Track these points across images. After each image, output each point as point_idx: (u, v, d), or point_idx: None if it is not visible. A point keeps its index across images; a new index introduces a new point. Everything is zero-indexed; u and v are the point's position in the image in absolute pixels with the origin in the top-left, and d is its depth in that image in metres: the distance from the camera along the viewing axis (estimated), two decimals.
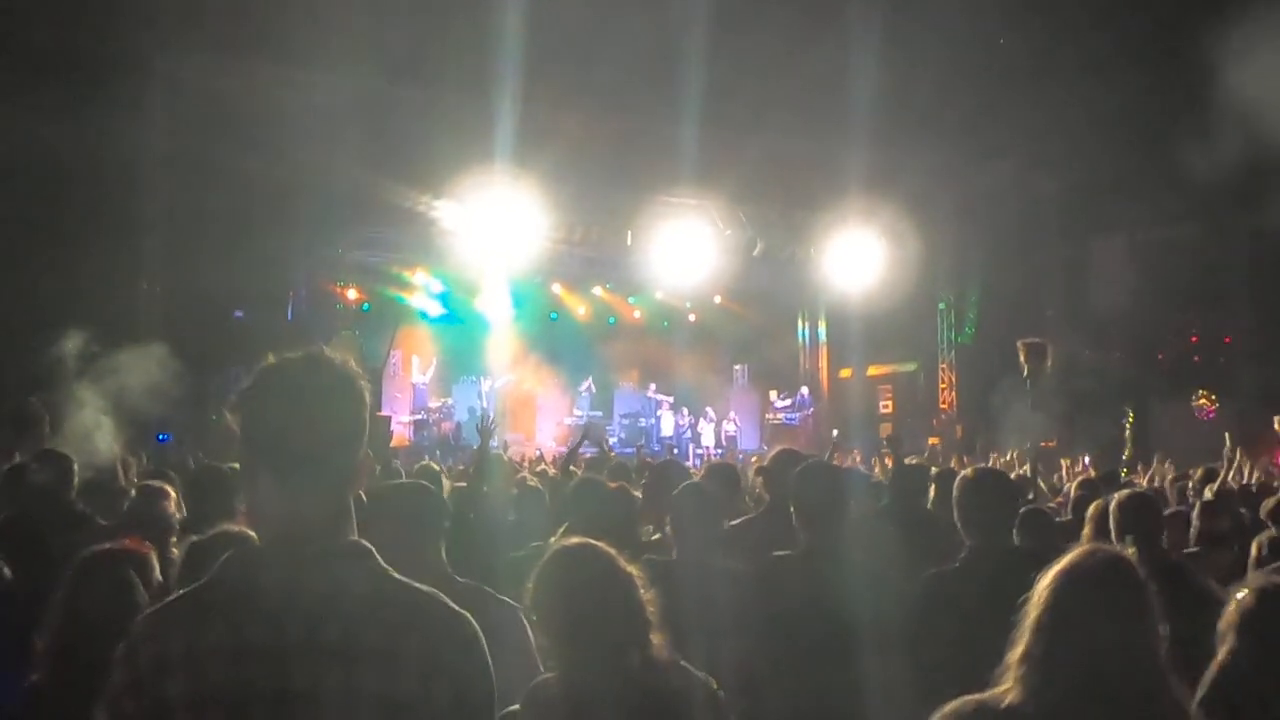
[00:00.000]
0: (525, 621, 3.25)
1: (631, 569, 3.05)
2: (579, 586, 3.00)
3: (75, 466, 5.83)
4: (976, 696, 2.64)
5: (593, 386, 23.11)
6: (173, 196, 15.03)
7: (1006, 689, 2.61)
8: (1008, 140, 18.81)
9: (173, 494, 5.18)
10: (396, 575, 2.13)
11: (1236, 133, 17.19)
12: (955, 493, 4.54)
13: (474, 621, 2.14)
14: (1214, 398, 21.31)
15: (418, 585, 2.14)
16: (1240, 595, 3.20)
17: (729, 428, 23.52)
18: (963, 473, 4.80)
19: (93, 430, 6.99)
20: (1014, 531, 4.80)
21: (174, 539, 4.67)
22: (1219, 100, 16.87)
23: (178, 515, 5.08)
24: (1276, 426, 12.34)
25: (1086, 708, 2.53)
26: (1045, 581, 2.66)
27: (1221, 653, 3.19)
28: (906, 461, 7.85)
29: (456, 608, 2.15)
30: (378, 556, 2.14)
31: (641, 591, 3.03)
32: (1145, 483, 10.92)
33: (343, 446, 2.16)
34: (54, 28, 12.94)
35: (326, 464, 2.13)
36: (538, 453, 16.38)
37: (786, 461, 5.89)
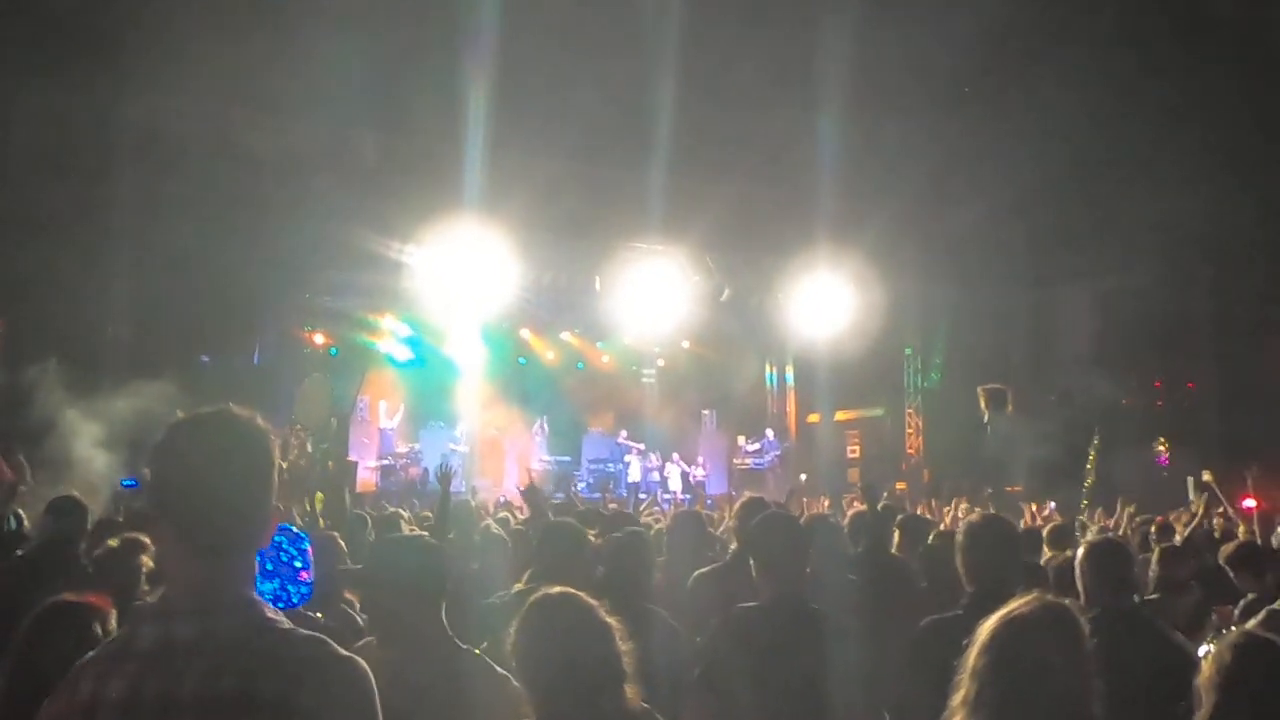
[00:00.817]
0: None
1: (609, 619, 3.08)
2: (559, 635, 3.03)
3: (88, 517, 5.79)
4: None
5: (544, 426, 23.07)
6: (140, 240, 14.97)
7: None
8: (972, 188, 18.99)
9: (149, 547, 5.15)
10: (288, 626, 2.18)
11: (1197, 182, 17.46)
12: (960, 538, 4.51)
13: (363, 663, 2.19)
14: (1167, 445, 21.44)
15: (309, 634, 2.19)
16: (1216, 651, 3.21)
17: (697, 473, 23.53)
18: (968, 519, 4.78)
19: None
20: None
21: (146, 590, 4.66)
22: (1180, 150, 17.15)
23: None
24: (1206, 477, 12.43)
25: None
26: (987, 627, 2.69)
27: (1203, 711, 3.19)
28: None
29: (345, 653, 2.20)
30: (265, 608, 2.19)
31: (618, 641, 3.06)
32: (1112, 525, 10.98)
33: (246, 505, 2.21)
34: (30, 74, 12.93)
35: (228, 522, 2.18)
36: (501, 499, 16.32)
37: (753, 509, 5.89)
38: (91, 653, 2.20)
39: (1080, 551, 4.69)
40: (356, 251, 16.95)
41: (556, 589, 3.17)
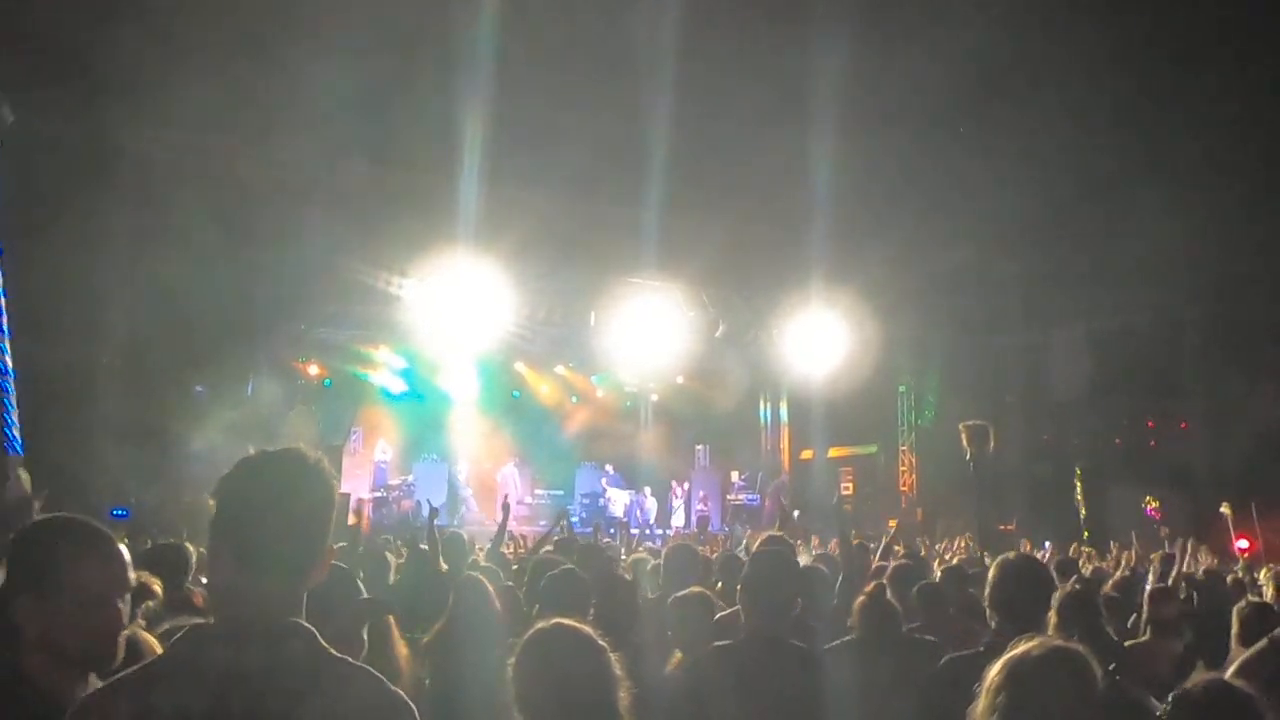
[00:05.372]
0: None
1: (608, 651, 3.10)
2: (558, 667, 3.04)
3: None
4: None
5: (520, 466, 23.03)
6: (135, 270, 15.02)
7: None
8: (967, 227, 19.07)
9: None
10: (336, 654, 2.25)
11: (1190, 221, 17.54)
12: (993, 574, 4.48)
13: (409, 702, 2.24)
14: (1158, 503, 21.38)
15: (356, 663, 2.28)
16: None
17: (699, 508, 23.56)
18: (1001, 557, 4.74)
19: None
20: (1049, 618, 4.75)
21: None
22: (1172, 190, 17.24)
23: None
24: (1223, 510, 12.47)
25: None
26: (996, 670, 2.68)
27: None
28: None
29: (393, 687, 2.26)
30: (319, 636, 2.25)
31: (616, 672, 3.08)
32: (1108, 566, 10.98)
33: (301, 539, 2.30)
34: (24, 105, 12.97)
35: (283, 553, 2.26)
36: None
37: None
38: (129, 671, 2.25)
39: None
40: (351, 283, 17.00)
41: (555, 621, 3.18)
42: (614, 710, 3.03)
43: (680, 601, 5.43)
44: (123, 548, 2.70)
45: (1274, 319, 20.32)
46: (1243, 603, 5.94)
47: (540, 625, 3.16)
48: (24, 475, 7.42)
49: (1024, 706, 2.63)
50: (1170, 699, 3.09)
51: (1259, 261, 19.12)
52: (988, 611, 4.41)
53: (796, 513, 18.10)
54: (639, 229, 16.91)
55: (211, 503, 2.30)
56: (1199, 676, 3.43)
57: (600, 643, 3.10)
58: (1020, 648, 2.72)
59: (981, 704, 2.66)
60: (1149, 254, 18.70)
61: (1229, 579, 9.12)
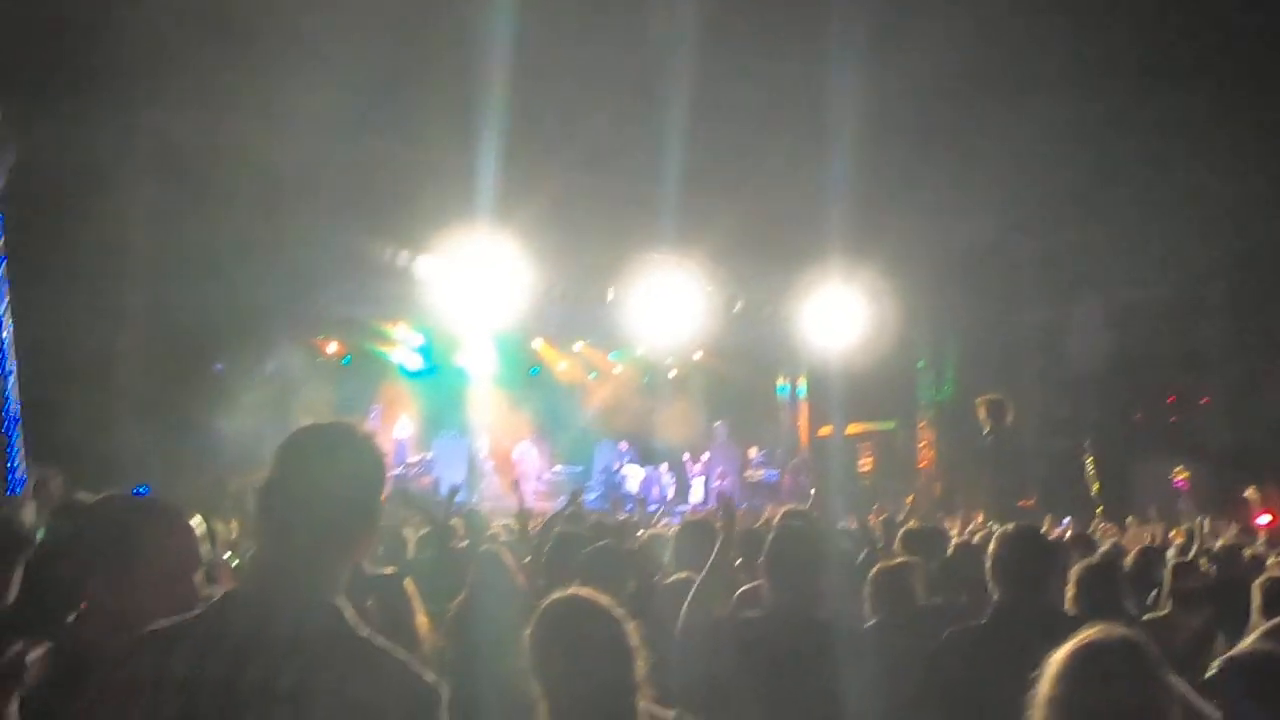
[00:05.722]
0: None
1: (625, 621, 3.10)
2: (573, 635, 3.04)
3: None
4: None
5: (540, 441, 22.99)
6: (153, 250, 15.05)
7: None
8: (986, 202, 18.96)
9: None
10: (367, 634, 2.22)
11: (1212, 196, 17.43)
12: (994, 546, 4.46)
13: (440, 690, 2.20)
14: (1188, 474, 21.33)
15: (387, 646, 2.23)
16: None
17: (717, 484, 23.52)
18: (1001, 529, 4.73)
19: None
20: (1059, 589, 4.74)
21: None
22: (1194, 164, 17.11)
23: None
24: (1249, 495, 12.40)
25: None
26: (1058, 659, 2.65)
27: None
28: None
29: (423, 672, 2.22)
30: (349, 617, 2.22)
31: (632, 643, 3.07)
32: (1126, 542, 10.94)
33: (340, 511, 2.28)
34: (46, 90, 12.99)
35: (319, 522, 2.24)
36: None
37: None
38: (155, 629, 2.25)
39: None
40: (369, 261, 17.01)
41: (572, 591, 3.18)
42: (630, 680, 3.03)
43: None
44: (193, 523, 2.72)
45: None
46: (1264, 577, 5.93)
47: (556, 595, 3.16)
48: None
49: (1090, 693, 2.59)
50: (1219, 664, 3.11)
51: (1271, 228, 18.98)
52: (989, 584, 4.40)
53: (813, 490, 18.06)
54: (657, 204, 16.85)
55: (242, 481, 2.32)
56: (1245, 645, 3.45)
57: (616, 612, 3.09)
58: (1083, 635, 2.69)
59: (1044, 690, 2.63)
60: (1170, 229, 18.60)
61: (1247, 553, 9.10)
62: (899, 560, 5.81)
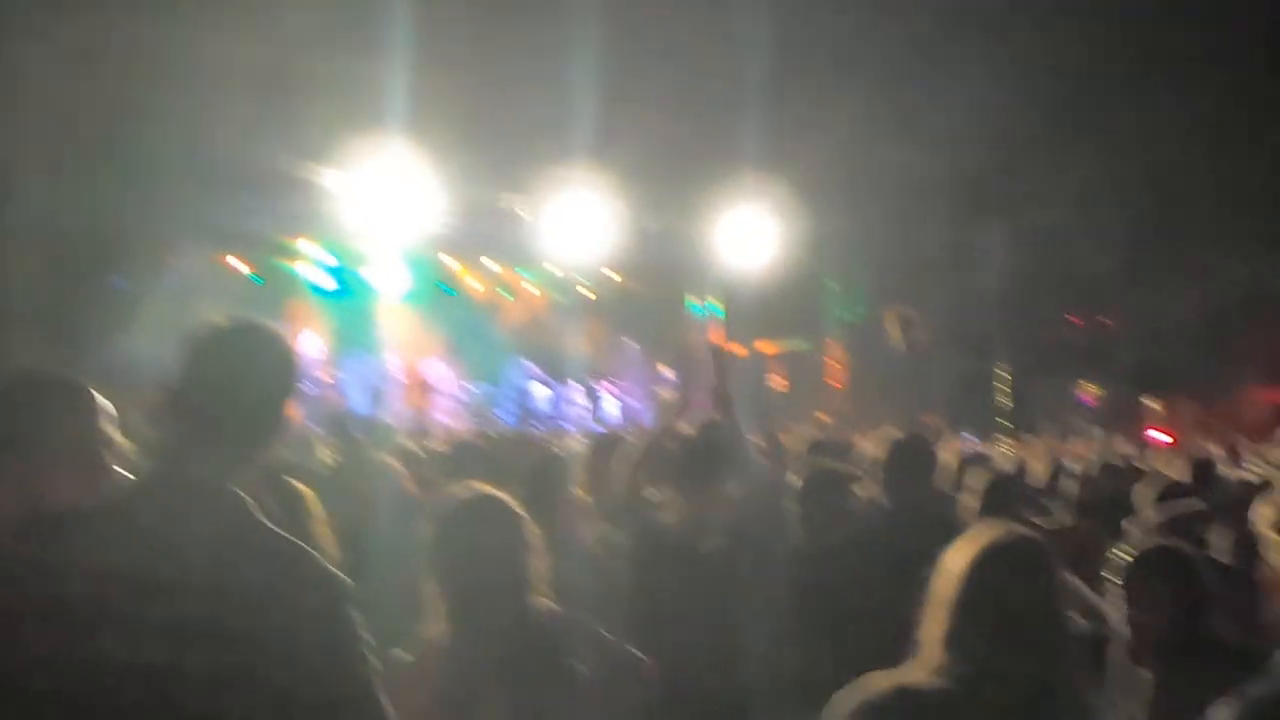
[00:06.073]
0: None
1: (524, 521, 3.09)
2: (468, 532, 3.02)
3: None
4: (890, 677, 2.63)
5: (451, 359, 22.87)
6: (47, 159, 14.54)
7: (924, 669, 2.61)
8: (896, 124, 19.07)
9: None
10: (271, 525, 2.20)
11: (1116, 124, 17.70)
12: (878, 453, 4.59)
13: (348, 581, 2.20)
14: (1095, 388, 21.92)
15: (294, 540, 2.21)
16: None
17: (628, 401, 23.64)
18: (887, 437, 4.86)
19: None
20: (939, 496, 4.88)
21: None
22: (1099, 92, 17.34)
23: None
24: (1149, 403, 12.78)
25: (1007, 687, 2.55)
26: (961, 558, 2.67)
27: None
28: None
29: (330, 567, 2.22)
30: (256, 511, 2.20)
31: (530, 540, 3.06)
32: (1029, 457, 11.21)
33: (249, 405, 2.25)
34: None
35: (228, 415, 2.22)
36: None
37: None
38: (60, 511, 2.23)
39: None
40: (274, 174, 16.63)
41: (470, 487, 3.16)
42: (523, 576, 3.02)
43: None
44: (102, 398, 2.64)
45: (1198, 218, 20.67)
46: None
47: (456, 491, 3.14)
48: None
49: (992, 591, 2.62)
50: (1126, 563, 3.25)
51: (1186, 161, 19.36)
52: (880, 491, 4.53)
53: (724, 407, 18.19)
54: (569, 120, 16.66)
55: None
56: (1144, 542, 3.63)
57: (516, 510, 3.08)
58: (985, 534, 2.73)
59: (948, 593, 2.66)
60: (1076, 155, 18.87)
61: (1142, 467, 9.39)
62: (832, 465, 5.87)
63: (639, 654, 3.54)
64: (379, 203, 17.11)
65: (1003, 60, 17.46)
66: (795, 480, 5.35)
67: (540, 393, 22.79)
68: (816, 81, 17.64)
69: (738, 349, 24.85)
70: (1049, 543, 2.74)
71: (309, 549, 2.21)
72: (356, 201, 17.17)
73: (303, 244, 20.82)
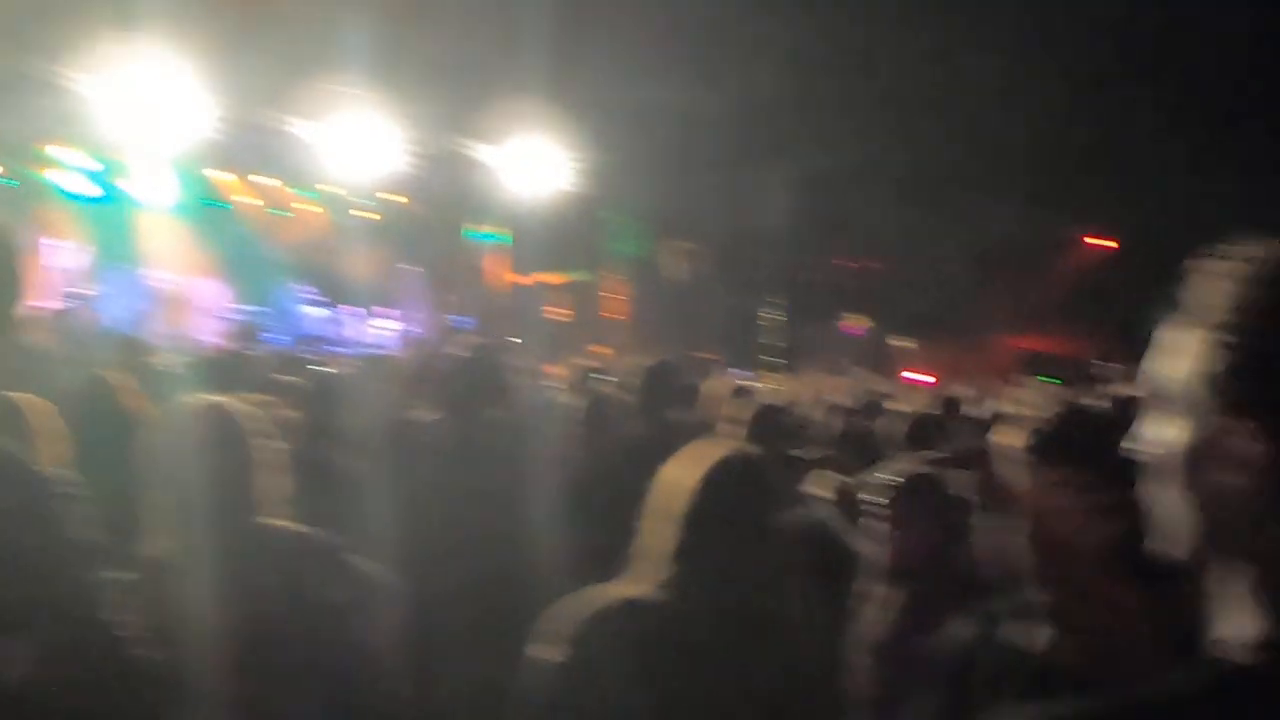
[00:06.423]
0: None
1: (248, 418, 3.00)
2: (194, 445, 2.93)
3: None
4: (614, 589, 2.65)
5: (226, 278, 22.13)
6: None
7: (646, 580, 2.64)
8: (682, 59, 19.22)
9: None
10: None
11: (889, 71, 18.24)
12: (633, 379, 4.86)
13: (60, 479, 2.15)
14: (863, 319, 22.77)
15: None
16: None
17: (408, 328, 23.28)
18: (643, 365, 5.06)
19: None
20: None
21: None
22: (881, 43, 17.84)
23: None
24: (899, 342, 13.37)
25: (731, 600, 2.60)
26: (685, 473, 2.70)
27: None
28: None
29: (34, 467, 2.18)
30: None
31: (262, 454, 2.99)
32: (794, 393, 11.57)
33: None
34: None
35: None
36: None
37: None
38: None
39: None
40: (28, 77, 15.60)
41: (206, 399, 3.07)
42: (249, 494, 2.96)
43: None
44: None
45: (963, 166, 21.57)
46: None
47: (185, 403, 3.05)
48: None
49: (722, 511, 2.66)
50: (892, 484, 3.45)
51: (955, 117, 20.13)
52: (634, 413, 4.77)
53: (506, 338, 18.15)
54: (348, 33, 16.17)
55: None
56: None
57: (246, 424, 3.01)
58: (713, 453, 2.77)
59: (673, 509, 2.68)
60: (856, 102, 19.40)
61: (900, 404, 9.82)
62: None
63: (389, 576, 3.50)
64: (138, 110, 16.25)
65: (790, 2, 17.76)
66: (573, 404, 5.45)
67: (315, 315, 22.23)
68: (607, 13, 17.59)
69: (521, 278, 24.81)
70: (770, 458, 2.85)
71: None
72: (120, 109, 16.27)
73: (64, 151, 19.65)
